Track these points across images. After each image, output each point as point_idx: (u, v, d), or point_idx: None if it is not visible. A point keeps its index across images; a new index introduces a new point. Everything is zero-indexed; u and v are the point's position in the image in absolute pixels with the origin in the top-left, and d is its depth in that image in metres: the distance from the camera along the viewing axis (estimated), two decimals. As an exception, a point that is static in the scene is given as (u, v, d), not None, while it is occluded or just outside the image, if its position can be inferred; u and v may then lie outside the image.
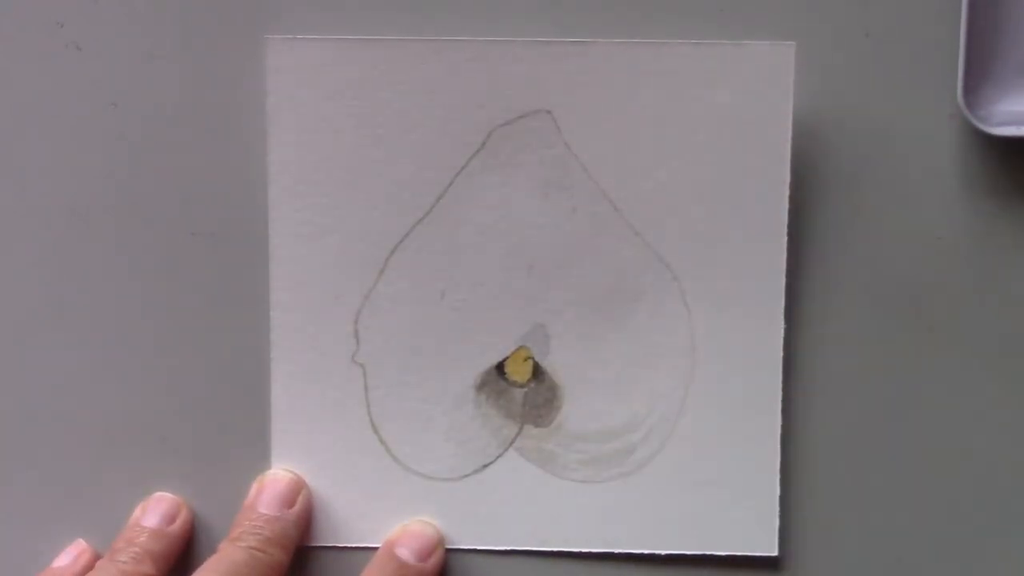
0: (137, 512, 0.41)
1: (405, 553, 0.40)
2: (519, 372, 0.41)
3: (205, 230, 0.41)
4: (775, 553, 0.41)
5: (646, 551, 0.41)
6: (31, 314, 0.41)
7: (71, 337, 0.41)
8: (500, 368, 0.41)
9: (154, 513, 0.40)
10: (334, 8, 0.40)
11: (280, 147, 0.40)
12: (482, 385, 0.41)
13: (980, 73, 0.39)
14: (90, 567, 0.40)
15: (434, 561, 0.40)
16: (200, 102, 0.40)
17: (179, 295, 0.41)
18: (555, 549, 0.41)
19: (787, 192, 0.39)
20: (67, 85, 0.40)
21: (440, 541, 0.41)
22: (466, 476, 0.41)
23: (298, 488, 0.40)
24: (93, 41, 0.40)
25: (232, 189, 0.40)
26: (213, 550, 0.39)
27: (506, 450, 0.41)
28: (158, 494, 0.41)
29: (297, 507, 0.40)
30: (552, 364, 0.41)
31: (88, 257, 0.41)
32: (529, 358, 0.41)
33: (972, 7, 0.38)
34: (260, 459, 0.41)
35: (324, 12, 0.40)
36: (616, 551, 0.41)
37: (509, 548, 0.41)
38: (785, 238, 0.40)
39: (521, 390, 0.41)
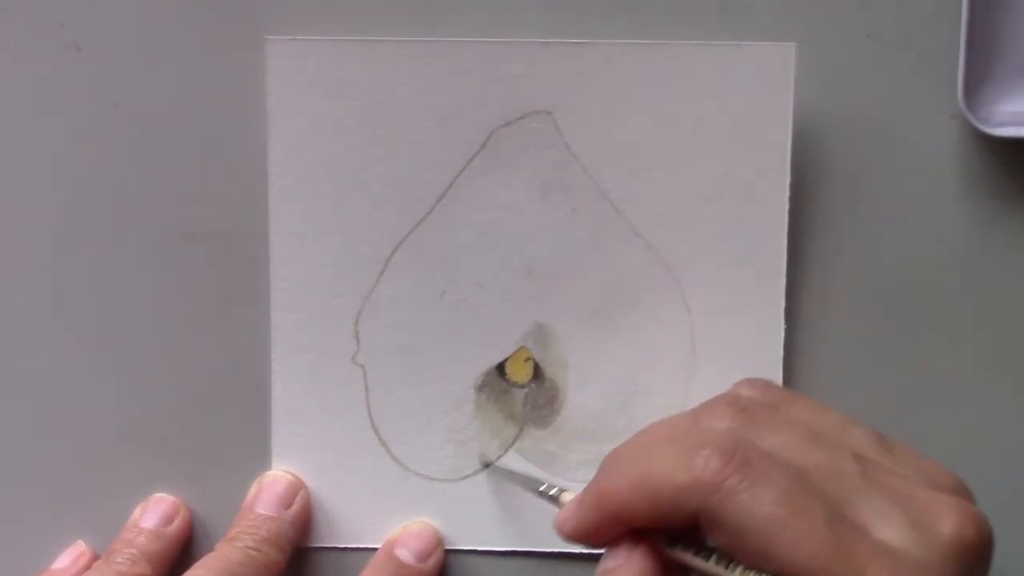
0: (136, 513, 0.41)
1: (405, 554, 0.40)
2: (519, 372, 0.41)
3: (205, 230, 0.41)
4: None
5: (646, 551, 0.41)
6: (31, 314, 0.41)
7: (71, 337, 0.41)
8: (500, 368, 0.41)
9: (152, 514, 0.40)
10: (334, 8, 0.40)
11: (280, 147, 0.40)
12: (482, 386, 0.41)
13: (980, 74, 0.39)
14: (89, 568, 0.40)
15: (434, 562, 0.40)
16: (200, 102, 0.40)
17: (179, 295, 0.41)
18: (555, 550, 0.41)
19: (787, 192, 0.39)
20: (67, 85, 0.40)
21: (440, 542, 0.41)
22: (466, 477, 0.41)
23: (296, 489, 0.40)
24: (93, 41, 0.40)
25: (232, 189, 0.40)
26: (212, 551, 0.39)
27: (507, 451, 0.41)
28: (157, 495, 0.41)
29: (295, 507, 0.40)
30: (552, 364, 0.41)
31: (88, 257, 0.41)
32: (529, 358, 0.41)
33: (972, 7, 0.38)
34: (260, 459, 0.41)
35: (324, 12, 0.40)
36: (616, 552, 0.41)
37: (509, 548, 0.41)
38: (785, 238, 0.40)
39: (522, 390, 0.41)
